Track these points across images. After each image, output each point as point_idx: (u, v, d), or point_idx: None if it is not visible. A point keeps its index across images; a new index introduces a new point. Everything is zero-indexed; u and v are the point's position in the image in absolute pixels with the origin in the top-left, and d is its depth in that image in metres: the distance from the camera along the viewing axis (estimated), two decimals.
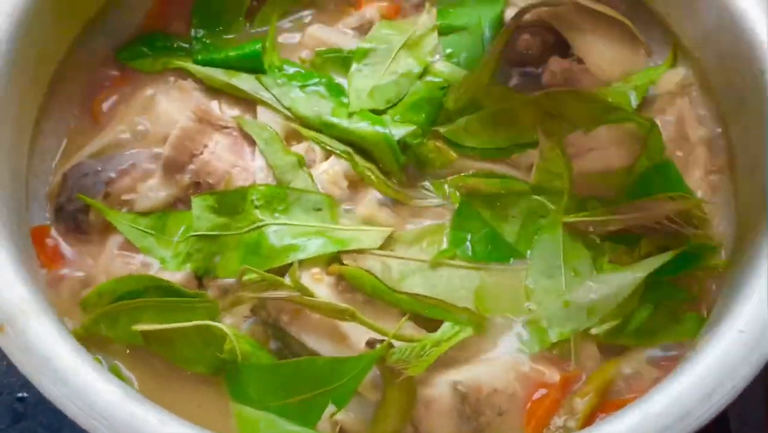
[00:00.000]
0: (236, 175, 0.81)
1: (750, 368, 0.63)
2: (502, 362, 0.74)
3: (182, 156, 0.81)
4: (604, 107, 0.87)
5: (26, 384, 0.65)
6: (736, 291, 0.71)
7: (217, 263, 0.77)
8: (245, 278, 0.75)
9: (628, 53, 0.93)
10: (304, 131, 0.85)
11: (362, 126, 0.84)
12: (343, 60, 0.91)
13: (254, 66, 0.88)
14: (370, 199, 0.81)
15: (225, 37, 0.92)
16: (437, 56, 0.92)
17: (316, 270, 0.77)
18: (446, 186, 0.84)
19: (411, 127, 0.84)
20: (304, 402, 0.69)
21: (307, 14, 0.95)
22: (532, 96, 0.86)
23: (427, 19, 0.94)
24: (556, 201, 0.81)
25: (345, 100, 0.87)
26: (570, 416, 0.72)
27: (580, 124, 0.86)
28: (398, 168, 0.84)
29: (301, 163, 0.82)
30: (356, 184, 0.84)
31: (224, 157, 0.82)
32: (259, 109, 0.87)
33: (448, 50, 0.92)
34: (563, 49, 0.92)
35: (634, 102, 0.88)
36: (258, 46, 0.89)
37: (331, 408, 0.69)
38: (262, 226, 0.79)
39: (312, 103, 0.87)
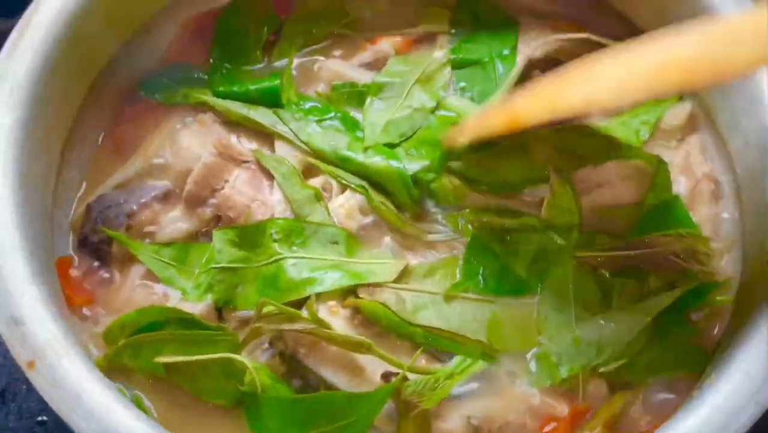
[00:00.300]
0: (255, 209, 0.84)
1: (756, 408, 0.65)
2: (514, 395, 0.76)
3: (204, 191, 0.83)
4: (613, 143, 0.89)
5: (46, 408, 0.67)
6: (743, 329, 0.73)
7: (237, 295, 0.80)
8: (264, 310, 0.77)
9: None
10: (321, 165, 0.87)
11: (377, 160, 0.87)
12: (358, 94, 0.93)
13: (272, 100, 0.91)
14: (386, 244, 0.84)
15: (244, 69, 0.95)
16: (450, 90, 0.94)
17: (332, 303, 0.79)
18: (459, 219, 0.86)
19: (424, 162, 0.87)
20: None
21: (323, 48, 0.97)
22: (542, 132, 0.89)
23: (440, 53, 0.96)
24: (566, 236, 0.83)
25: (360, 135, 0.90)
26: None
27: (589, 160, 0.88)
28: (411, 202, 0.86)
29: (318, 197, 0.84)
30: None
31: (244, 191, 0.84)
32: (277, 143, 0.89)
33: (462, 84, 0.95)
34: None
35: (643, 136, 0.90)
36: (276, 81, 0.91)
37: None
38: (281, 259, 0.81)
39: (328, 137, 0.89)
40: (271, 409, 0.72)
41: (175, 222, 0.84)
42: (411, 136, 0.90)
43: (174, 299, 0.81)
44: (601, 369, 0.75)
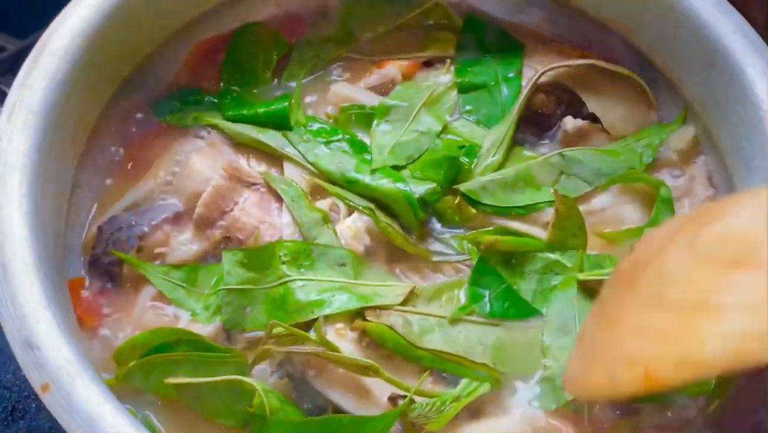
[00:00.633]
0: (264, 231, 0.85)
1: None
2: (520, 417, 0.77)
3: (214, 213, 0.85)
4: (616, 166, 0.90)
5: (56, 427, 0.68)
6: None
7: (246, 316, 0.81)
8: (273, 331, 0.78)
9: (639, 111, 0.97)
10: (329, 188, 0.88)
11: (384, 183, 0.88)
12: (366, 116, 0.94)
13: (281, 123, 0.92)
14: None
15: (253, 93, 0.96)
16: (456, 114, 0.96)
17: (340, 325, 0.80)
18: (465, 242, 0.87)
19: (431, 185, 0.88)
20: None
21: (331, 72, 0.99)
22: (548, 156, 0.90)
23: (446, 77, 0.98)
24: (571, 259, 0.85)
25: (367, 157, 0.91)
26: None
27: (593, 184, 0.90)
28: (418, 224, 0.87)
29: (326, 219, 0.86)
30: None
31: (253, 213, 0.86)
32: (286, 165, 0.90)
33: (468, 107, 0.96)
34: (577, 107, 0.95)
35: (647, 159, 0.92)
36: (285, 104, 0.92)
37: None
38: (289, 281, 0.82)
39: (336, 159, 0.90)
40: (279, 431, 0.73)
41: (185, 244, 0.85)
42: (417, 159, 0.91)
43: (184, 321, 0.82)
44: None
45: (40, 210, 0.75)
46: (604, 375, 0.58)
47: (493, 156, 0.90)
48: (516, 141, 0.93)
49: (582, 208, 0.87)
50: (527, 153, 0.92)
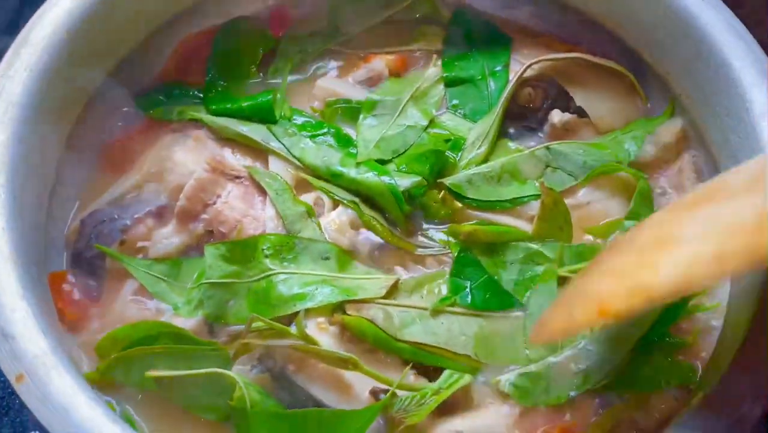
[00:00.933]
0: (247, 224, 0.84)
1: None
2: (501, 410, 0.76)
3: (196, 206, 0.84)
4: (603, 160, 0.90)
5: (39, 423, 0.68)
6: (730, 346, 0.73)
7: (228, 310, 0.80)
8: (253, 325, 0.78)
9: (627, 104, 0.97)
10: (314, 181, 0.88)
11: (369, 176, 0.87)
12: (352, 110, 0.94)
13: (266, 116, 0.92)
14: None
15: (239, 87, 0.96)
16: (443, 108, 0.95)
17: (321, 319, 0.80)
18: (448, 234, 0.87)
19: (416, 178, 0.87)
20: None
21: (317, 66, 0.98)
22: (533, 150, 0.90)
23: (433, 71, 0.97)
24: (552, 249, 0.84)
25: (353, 150, 0.91)
26: None
27: (579, 177, 0.89)
28: (402, 217, 0.87)
29: (310, 213, 0.85)
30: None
31: (236, 206, 0.85)
32: (271, 158, 0.90)
33: (455, 101, 0.96)
34: (564, 101, 0.95)
35: (633, 152, 0.91)
36: (269, 97, 0.92)
37: None
38: (271, 274, 0.81)
39: (321, 153, 0.90)
40: (259, 424, 0.73)
41: (167, 237, 0.84)
42: (403, 153, 0.91)
43: (166, 314, 0.81)
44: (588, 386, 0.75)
45: (18, 202, 0.74)
46: (564, 315, 0.62)
47: (478, 149, 0.90)
48: (503, 135, 0.93)
49: (568, 202, 0.86)
50: (513, 146, 0.91)
